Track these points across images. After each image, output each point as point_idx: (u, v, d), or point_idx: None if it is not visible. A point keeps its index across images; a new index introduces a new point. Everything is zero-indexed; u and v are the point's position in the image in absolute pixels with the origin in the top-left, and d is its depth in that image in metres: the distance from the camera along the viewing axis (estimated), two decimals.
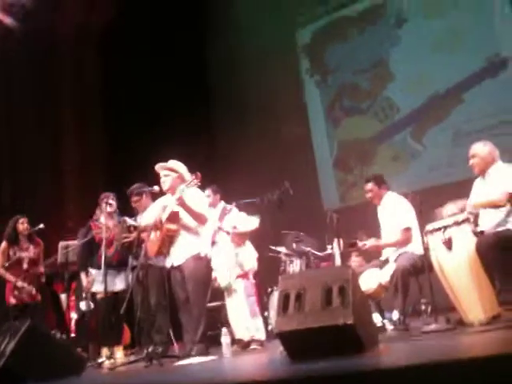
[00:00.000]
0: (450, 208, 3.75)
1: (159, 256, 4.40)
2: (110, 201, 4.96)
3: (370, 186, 4.29)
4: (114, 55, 7.59)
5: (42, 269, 5.33)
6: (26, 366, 3.53)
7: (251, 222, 4.73)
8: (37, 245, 5.36)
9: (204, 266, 4.17)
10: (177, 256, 4.19)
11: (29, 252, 5.27)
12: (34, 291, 5.19)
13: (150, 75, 7.57)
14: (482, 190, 3.70)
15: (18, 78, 6.86)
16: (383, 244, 4.16)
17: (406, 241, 3.99)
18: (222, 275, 4.45)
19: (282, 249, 5.36)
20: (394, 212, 4.10)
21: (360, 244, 4.15)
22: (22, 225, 5.26)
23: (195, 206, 4.16)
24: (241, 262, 4.51)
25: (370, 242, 4.15)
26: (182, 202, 4.08)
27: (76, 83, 7.66)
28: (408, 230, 3.95)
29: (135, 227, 4.42)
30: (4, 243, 5.26)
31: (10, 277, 5.18)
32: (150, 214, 4.42)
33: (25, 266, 5.23)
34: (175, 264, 4.18)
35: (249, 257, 4.62)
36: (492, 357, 2.04)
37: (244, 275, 4.49)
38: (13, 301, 5.15)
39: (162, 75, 7.70)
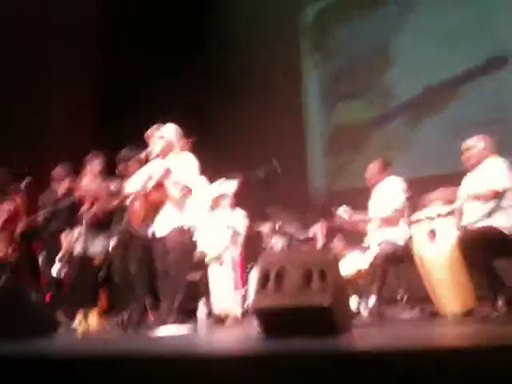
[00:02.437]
0: (436, 195, 3.73)
1: (143, 225, 4.35)
2: (95, 162, 4.87)
3: (373, 165, 4.33)
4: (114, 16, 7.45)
5: (19, 227, 5.13)
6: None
7: (229, 184, 4.71)
8: (15, 200, 5.15)
9: (187, 238, 4.14)
10: (160, 227, 4.15)
11: (4, 208, 5.08)
12: (9, 249, 5.06)
13: (149, 55, 7.50)
14: (472, 183, 3.69)
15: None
16: (370, 218, 4.16)
17: (393, 220, 3.98)
18: (212, 245, 4.39)
19: (265, 227, 5.34)
20: (390, 192, 4.09)
21: (346, 216, 4.12)
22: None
23: (181, 178, 4.11)
24: (233, 225, 4.46)
25: (357, 216, 4.14)
26: (168, 173, 4.04)
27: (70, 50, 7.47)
28: (400, 211, 3.93)
29: (119, 193, 4.36)
30: None
31: None
32: (136, 180, 4.36)
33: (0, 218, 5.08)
34: (158, 235, 4.15)
35: (241, 220, 4.60)
36: (461, 348, 2.08)
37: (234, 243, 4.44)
38: None
39: (160, 54, 7.61)
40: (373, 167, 4.32)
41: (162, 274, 4.11)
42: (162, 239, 4.12)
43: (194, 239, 4.32)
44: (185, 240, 4.10)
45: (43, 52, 7.14)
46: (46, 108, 7.16)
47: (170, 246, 4.04)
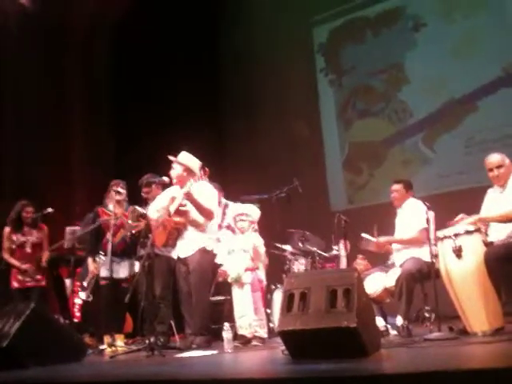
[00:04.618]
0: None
1: (166, 247, 4.42)
2: (120, 189, 4.98)
3: (397, 186, 4.32)
4: (125, 46, 7.57)
5: (45, 254, 5.32)
6: (28, 348, 3.57)
7: (254, 209, 4.75)
8: (40, 229, 5.38)
9: (209, 260, 4.20)
10: (183, 249, 4.22)
11: (32, 236, 5.31)
12: (38, 276, 5.22)
13: (161, 68, 7.57)
14: (499, 201, 3.68)
15: (25, 66, 6.83)
16: (398, 240, 4.14)
17: (420, 240, 3.95)
18: (232, 267, 4.44)
19: (288, 247, 5.35)
20: (414, 213, 4.08)
21: (374, 239, 4.12)
22: (27, 212, 5.30)
23: (203, 201, 4.18)
24: (251, 247, 4.49)
25: (383, 238, 4.14)
26: (189, 197, 4.11)
27: (85, 74, 7.63)
28: (425, 230, 3.87)
29: (144, 216, 4.43)
30: (8, 228, 5.30)
31: (14, 261, 5.22)
32: (158, 203, 4.44)
33: (28, 249, 5.26)
34: (181, 256, 4.21)
35: (261, 248, 4.62)
36: (493, 369, 2.04)
37: (253, 268, 4.48)
38: (16, 285, 5.18)
39: (172, 68, 7.70)
40: (399, 187, 4.31)
41: (185, 296, 4.16)
42: (184, 260, 4.18)
43: (216, 261, 4.37)
44: (207, 261, 4.15)
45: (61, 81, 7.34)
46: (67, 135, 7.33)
47: (193, 266, 4.10)
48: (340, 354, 2.61)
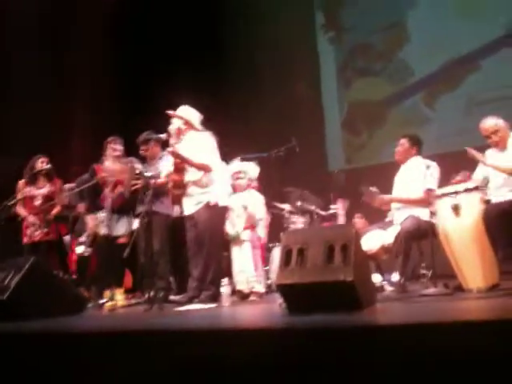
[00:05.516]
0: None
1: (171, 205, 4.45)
2: (116, 145, 4.93)
3: (403, 140, 4.12)
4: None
5: (55, 208, 5.22)
6: (29, 301, 3.61)
7: (252, 167, 4.74)
8: (53, 183, 5.27)
9: (215, 214, 4.18)
10: (187, 206, 4.24)
11: (44, 189, 5.22)
12: (46, 229, 5.15)
13: (163, 29, 7.43)
14: (499, 161, 3.65)
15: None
16: (404, 199, 3.98)
17: (426, 201, 3.78)
18: (230, 225, 4.46)
19: (286, 206, 5.37)
20: (420, 172, 3.89)
21: (379, 196, 3.98)
22: (41, 163, 5.21)
23: (196, 155, 4.15)
24: (251, 211, 4.50)
25: (388, 196, 4.03)
26: (176, 156, 4.09)
27: (87, 27, 7.48)
28: (432, 191, 3.76)
29: (142, 174, 4.41)
30: (22, 181, 5.24)
31: (22, 211, 5.15)
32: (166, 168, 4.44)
33: (37, 202, 5.18)
34: (187, 213, 4.22)
35: (260, 206, 4.63)
36: (488, 321, 2.08)
37: (251, 227, 4.50)
38: (26, 240, 5.12)
39: (174, 29, 7.56)
40: (404, 141, 4.12)
41: (192, 254, 4.16)
42: (191, 217, 4.19)
43: (222, 214, 4.37)
44: (213, 216, 4.15)
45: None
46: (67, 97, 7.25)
47: (201, 223, 4.10)
48: (336, 307, 2.65)
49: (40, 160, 5.24)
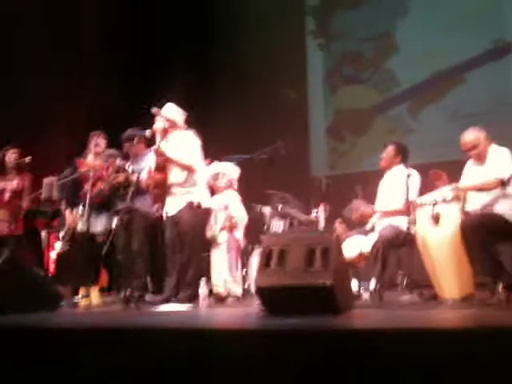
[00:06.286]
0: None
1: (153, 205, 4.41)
2: (99, 140, 4.87)
3: (389, 148, 4.16)
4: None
5: (24, 203, 5.16)
6: (3, 294, 3.54)
7: (232, 168, 4.73)
8: (22, 177, 5.17)
9: (198, 214, 4.16)
10: (170, 205, 4.19)
11: (12, 183, 5.14)
12: (13, 225, 5.08)
13: (151, 28, 7.43)
14: (478, 173, 3.64)
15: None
16: (385, 212, 4.01)
17: (406, 212, 3.79)
18: (209, 226, 4.44)
19: (267, 209, 5.36)
20: (402, 182, 3.90)
21: (361, 208, 4.01)
22: (11, 155, 5.11)
23: (181, 156, 4.12)
24: (231, 212, 4.49)
25: (370, 210, 4.06)
26: (161, 155, 4.07)
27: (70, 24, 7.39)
28: (411, 202, 3.78)
29: (123, 170, 4.36)
30: None
31: None
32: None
33: (6, 196, 5.08)
34: (169, 213, 4.18)
35: (239, 208, 4.62)
36: (459, 330, 2.10)
37: (230, 228, 4.49)
38: None
39: (161, 31, 7.56)
40: (390, 149, 4.16)
41: (172, 249, 4.12)
42: (173, 216, 4.15)
43: (205, 214, 4.34)
44: (195, 215, 4.12)
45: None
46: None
47: (182, 223, 4.07)
48: (314, 311, 2.65)
49: (10, 151, 5.12)
